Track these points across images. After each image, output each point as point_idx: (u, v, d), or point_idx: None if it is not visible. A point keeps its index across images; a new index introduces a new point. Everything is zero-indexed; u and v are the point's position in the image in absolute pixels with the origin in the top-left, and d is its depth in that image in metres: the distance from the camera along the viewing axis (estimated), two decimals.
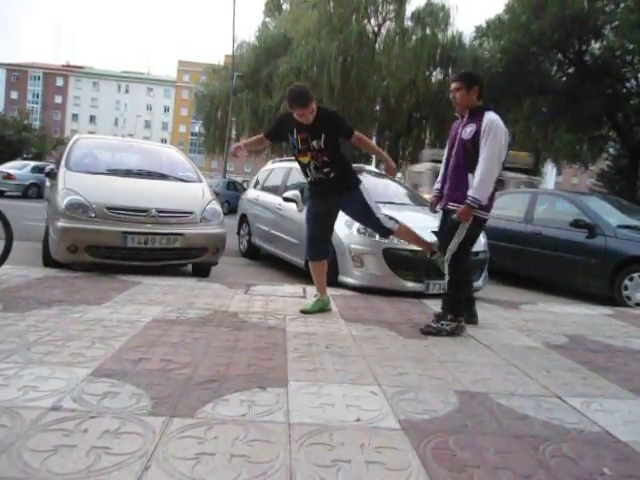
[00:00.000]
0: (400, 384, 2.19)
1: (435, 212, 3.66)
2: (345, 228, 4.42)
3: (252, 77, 23.15)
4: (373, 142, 3.63)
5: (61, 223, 4.11)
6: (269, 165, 7.39)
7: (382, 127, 23.70)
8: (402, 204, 5.44)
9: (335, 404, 1.92)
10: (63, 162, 4.77)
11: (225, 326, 2.93)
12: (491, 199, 3.21)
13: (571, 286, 6.06)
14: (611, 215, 6.05)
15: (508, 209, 7.02)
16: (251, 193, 7.22)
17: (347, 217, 4.46)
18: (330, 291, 4.21)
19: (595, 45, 17.52)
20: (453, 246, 3.19)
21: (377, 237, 4.28)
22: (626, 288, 5.27)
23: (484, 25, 20.31)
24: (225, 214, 5.19)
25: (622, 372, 2.64)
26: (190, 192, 4.91)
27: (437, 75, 22.64)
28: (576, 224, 5.83)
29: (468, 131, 3.19)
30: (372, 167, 8.87)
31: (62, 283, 3.75)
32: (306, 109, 3.25)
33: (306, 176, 3.56)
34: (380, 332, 3.07)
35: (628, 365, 2.79)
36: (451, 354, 2.71)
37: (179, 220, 4.46)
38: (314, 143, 3.38)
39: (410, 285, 4.31)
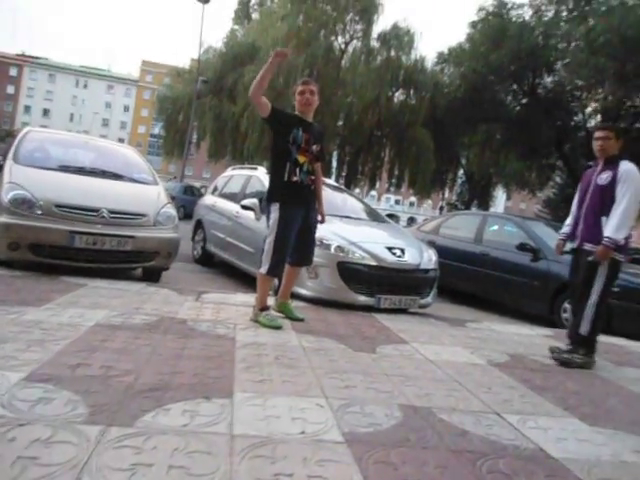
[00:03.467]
0: (346, 397, 2.20)
1: (561, 254, 3.88)
2: None
3: (217, 83, 22.96)
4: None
5: (3, 218, 3.90)
6: (229, 172, 7.32)
7: (343, 142, 24.02)
8: (359, 219, 5.52)
9: (280, 416, 1.90)
10: (11, 155, 4.55)
11: (172, 333, 2.86)
12: (626, 243, 3.35)
13: (515, 306, 6.30)
14: (555, 240, 6.33)
15: (459, 229, 7.26)
16: (208, 199, 7.12)
17: None
18: None
19: (548, 79, 18.58)
20: (598, 288, 3.33)
21: (332, 250, 4.32)
22: (565, 311, 5.53)
23: (446, 52, 21.15)
24: (180, 219, 5.08)
25: (557, 391, 2.76)
26: (145, 194, 4.78)
27: (399, 96, 23.28)
28: (522, 247, 6.09)
29: (604, 177, 3.40)
30: (331, 180, 8.95)
31: (0, 282, 3.55)
32: (316, 90, 3.48)
33: (292, 176, 3.37)
34: (330, 344, 3.08)
35: (563, 384, 2.93)
36: (398, 368, 2.75)
37: (131, 222, 4.33)
38: (313, 147, 3.50)
39: (362, 299, 4.35)
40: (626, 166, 3.37)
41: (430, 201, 53.49)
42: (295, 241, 3.55)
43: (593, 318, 3.39)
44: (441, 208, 36.55)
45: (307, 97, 3.45)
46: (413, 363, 2.91)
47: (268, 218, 3.48)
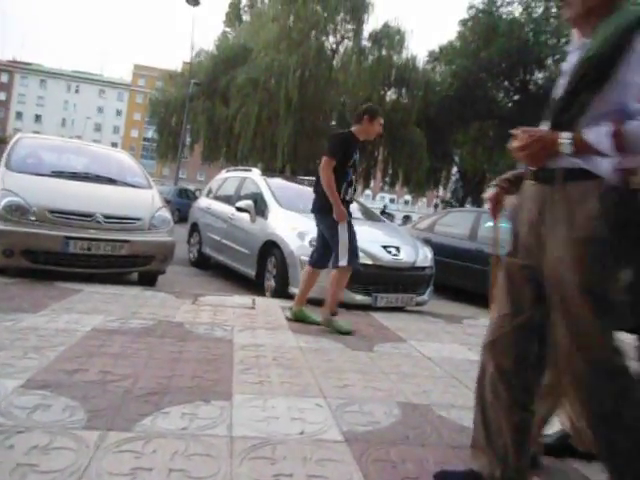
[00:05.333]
0: (345, 396, 2.21)
1: None
2: (297, 240, 4.43)
3: (209, 85, 22.91)
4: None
5: None
6: (223, 174, 7.31)
7: None
8: (354, 218, 5.50)
9: (279, 417, 1.90)
10: (3, 162, 4.54)
11: (169, 337, 2.85)
12: None
13: None
14: None
15: (454, 227, 7.28)
16: (203, 202, 7.11)
17: (300, 229, 4.51)
18: (279, 302, 4.20)
19: (539, 75, 18.68)
20: None
21: None
22: None
23: (437, 50, 21.25)
24: (175, 222, 5.08)
25: None
26: (139, 198, 4.77)
27: (391, 95, 23.28)
28: None
29: None
30: None
31: None
32: None
33: (346, 195, 3.56)
34: (327, 344, 3.09)
35: None
36: (395, 366, 2.76)
37: (126, 226, 4.32)
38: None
39: (358, 298, 4.36)
40: None
41: (425, 199, 53.55)
42: (321, 245, 3.69)
43: None
44: (436, 206, 36.63)
45: (380, 128, 3.62)
46: (411, 361, 2.92)
47: (326, 225, 3.55)
